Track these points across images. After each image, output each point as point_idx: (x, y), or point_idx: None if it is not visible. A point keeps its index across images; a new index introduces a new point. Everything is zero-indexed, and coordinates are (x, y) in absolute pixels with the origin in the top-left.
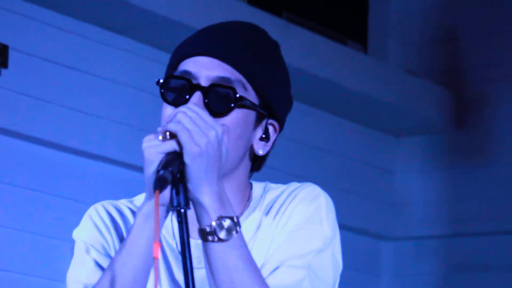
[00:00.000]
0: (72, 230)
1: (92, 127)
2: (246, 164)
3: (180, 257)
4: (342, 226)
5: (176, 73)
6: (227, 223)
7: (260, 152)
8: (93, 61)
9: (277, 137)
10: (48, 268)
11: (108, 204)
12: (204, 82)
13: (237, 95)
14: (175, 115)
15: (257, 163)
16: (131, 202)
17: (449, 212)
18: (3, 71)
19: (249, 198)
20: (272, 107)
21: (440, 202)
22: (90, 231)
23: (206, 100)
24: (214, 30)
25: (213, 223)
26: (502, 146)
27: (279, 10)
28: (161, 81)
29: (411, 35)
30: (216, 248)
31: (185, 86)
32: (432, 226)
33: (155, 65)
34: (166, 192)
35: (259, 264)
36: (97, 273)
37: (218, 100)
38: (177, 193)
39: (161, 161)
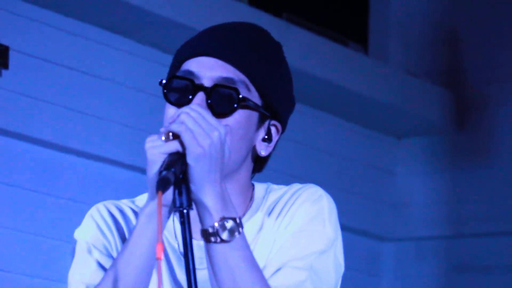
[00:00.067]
0: (73, 231)
1: (93, 127)
2: (248, 165)
3: (182, 258)
4: (343, 227)
5: (179, 73)
6: (229, 224)
7: (263, 153)
8: (93, 62)
9: (279, 138)
10: (49, 269)
11: (110, 204)
12: (207, 83)
13: (240, 96)
14: (178, 116)
15: (259, 164)
16: (133, 202)
17: (450, 213)
18: (4, 72)
19: (251, 199)
20: (275, 108)
21: (441, 203)
22: (92, 231)
23: (209, 101)
24: (217, 31)
25: (216, 224)
26: (502, 147)
27: (280, 11)
28: (164, 81)
29: (411, 36)
30: (218, 249)
31: (188, 87)
32: (433, 227)
33: (155, 66)
34: (169, 193)
35: (261, 265)
36: (99, 274)
37: (221, 101)
38: (180, 194)
39: (164, 162)
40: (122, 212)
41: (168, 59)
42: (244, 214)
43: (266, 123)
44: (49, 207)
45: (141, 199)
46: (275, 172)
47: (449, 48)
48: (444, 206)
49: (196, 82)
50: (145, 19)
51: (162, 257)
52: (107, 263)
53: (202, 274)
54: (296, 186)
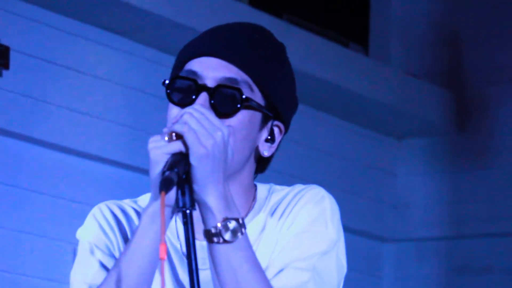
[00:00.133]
0: (73, 232)
1: (93, 128)
2: (251, 165)
3: (184, 258)
4: (344, 228)
5: (182, 73)
6: (232, 224)
7: (265, 154)
8: (94, 62)
9: (282, 138)
10: (49, 270)
11: (112, 204)
12: (210, 83)
13: (243, 96)
14: (181, 116)
15: (262, 164)
16: (135, 202)
17: (450, 214)
18: (4, 72)
19: (254, 200)
20: (278, 108)
21: (441, 204)
22: (95, 231)
23: (212, 101)
24: (220, 31)
25: (219, 225)
26: (503, 148)
27: (280, 12)
28: (167, 81)
29: (412, 36)
30: (221, 249)
31: (191, 87)
32: (434, 228)
33: (156, 66)
34: (172, 193)
35: (263, 265)
36: (102, 274)
37: (224, 101)
38: (183, 194)
39: (167, 162)
40: (124, 212)
41: (168, 59)
42: (246, 215)
43: (269, 124)
44: (49, 207)
45: (144, 199)
46: (275, 173)
47: (450, 48)
48: (444, 207)
49: (199, 82)
50: (145, 19)
51: (165, 257)
52: (109, 263)
53: (204, 274)
54: (298, 187)
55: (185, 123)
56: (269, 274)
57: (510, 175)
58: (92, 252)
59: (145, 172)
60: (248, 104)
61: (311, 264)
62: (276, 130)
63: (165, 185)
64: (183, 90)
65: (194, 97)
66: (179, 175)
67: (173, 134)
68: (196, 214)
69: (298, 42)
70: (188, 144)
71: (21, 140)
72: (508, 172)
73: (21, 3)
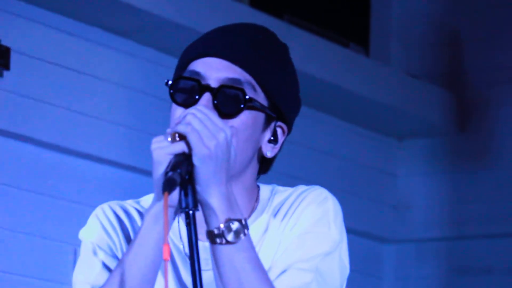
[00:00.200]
0: (74, 233)
1: (94, 129)
2: (254, 166)
3: (187, 259)
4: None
5: (185, 74)
6: (235, 225)
7: (268, 154)
8: (94, 63)
9: (285, 139)
10: (49, 271)
11: (114, 204)
12: (213, 83)
13: (247, 97)
14: (184, 117)
15: (264, 165)
16: (138, 203)
17: (451, 215)
18: (5, 73)
19: (256, 201)
20: (281, 109)
21: (442, 205)
22: (97, 231)
23: (215, 101)
24: (223, 32)
25: (221, 226)
26: (504, 148)
27: (281, 12)
28: (170, 82)
29: (412, 37)
30: (224, 250)
31: (194, 87)
32: (434, 228)
33: (156, 67)
34: (175, 194)
35: (266, 266)
36: (104, 274)
37: (227, 102)
38: (186, 195)
39: (170, 163)
40: (127, 212)
41: (169, 60)
42: (249, 216)
43: (272, 125)
44: (49, 208)
45: (146, 199)
46: (275, 173)
47: (450, 49)
48: (445, 208)
49: (203, 82)
50: (146, 20)
51: (169, 258)
52: (112, 264)
53: (207, 275)
54: (301, 187)
55: (188, 123)
56: (272, 275)
57: (511, 176)
58: (94, 253)
59: (146, 172)
60: (251, 104)
61: (314, 265)
62: (279, 130)
63: (168, 186)
64: (186, 90)
65: (197, 97)
66: (182, 176)
67: (176, 134)
68: (199, 215)
69: (299, 43)
70: (191, 145)
71: (22, 141)
72: (509, 173)
73: (22, 3)
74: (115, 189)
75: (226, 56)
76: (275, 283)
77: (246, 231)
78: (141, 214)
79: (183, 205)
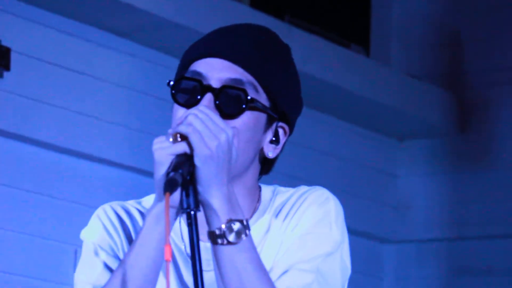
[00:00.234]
0: (75, 233)
1: (95, 129)
2: (256, 167)
3: (188, 260)
4: None
5: (187, 74)
6: (236, 226)
7: (270, 155)
8: (95, 63)
9: (287, 140)
10: (49, 271)
11: (116, 205)
12: (215, 84)
13: (248, 97)
14: (186, 117)
15: (266, 166)
16: (139, 203)
17: (451, 215)
18: (5, 73)
19: (258, 201)
20: (283, 109)
21: (442, 205)
22: (99, 232)
23: (217, 102)
24: (225, 32)
25: (223, 226)
26: (504, 149)
27: (281, 13)
28: (172, 82)
29: (413, 38)
30: (225, 251)
31: (196, 88)
32: (435, 229)
33: (157, 67)
34: (176, 194)
35: (268, 267)
36: (106, 275)
37: (229, 102)
38: (187, 195)
39: (171, 163)
40: (128, 213)
41: (170, 60)
42: (251, 216)
43: (274, 125)
44: (49, 209)
45: (148, 200)
46: (276, 174)
47: (450, 50)
48: (445, 208)
49: (204, 83)
50: (146, 21)
51: (170, 259)
52: (113, 264)
53: (209, 276)
54: (303, 188)
55: (190, 124)
56: (273, 276)
57: (511, 177)
58: (96, 253)
59: (147, 173)
60: (253, 105)
61: (315, 266)
62: (280, 131)
63: (169, 186)
64: (188, 90)
65: (199, 97)
66: (183, 176)
67: (178, 135)
68: (200, 215)
69: (299, 43)
70: (192, 145)
71: (22, 142)
72: (509, 173)
73: (22, 4)
74: (116, 189)
75: (228, 57)
76: (276, 284)
77: (247, 231)
78: (142, 214)
79: (185, 205)
